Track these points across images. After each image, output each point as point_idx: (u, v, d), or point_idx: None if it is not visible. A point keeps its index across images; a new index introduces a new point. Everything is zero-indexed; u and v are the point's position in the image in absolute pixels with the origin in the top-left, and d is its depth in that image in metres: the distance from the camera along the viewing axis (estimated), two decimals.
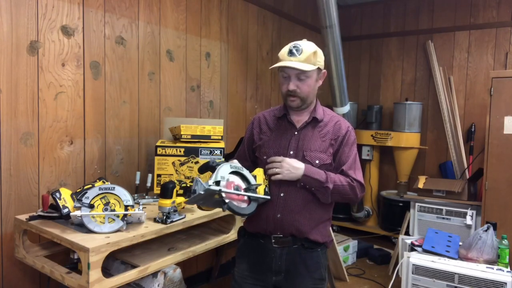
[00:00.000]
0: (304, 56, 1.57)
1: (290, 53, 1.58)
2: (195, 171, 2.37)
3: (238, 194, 1.48)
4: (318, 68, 1.63)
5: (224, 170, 1.48)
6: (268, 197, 1.57)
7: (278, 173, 1.55)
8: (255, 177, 1.58)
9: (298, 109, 1.67)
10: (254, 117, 1.83)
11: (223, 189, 1.42)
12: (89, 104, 2.38)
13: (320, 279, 1.68)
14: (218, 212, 2.24)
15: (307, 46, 1.60)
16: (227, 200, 1.43)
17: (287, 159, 1.57)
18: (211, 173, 1.50)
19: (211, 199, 1.47)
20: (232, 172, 1.52)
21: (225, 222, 2.37)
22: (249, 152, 1.80)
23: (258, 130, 1.76)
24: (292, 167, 1.55)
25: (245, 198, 1.53)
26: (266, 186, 1.59)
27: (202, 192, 1.39)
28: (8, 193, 2.05)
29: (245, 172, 1.55)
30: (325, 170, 1.62)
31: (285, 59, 1.59)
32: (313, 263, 1.66)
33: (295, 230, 1.61)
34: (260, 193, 1.55)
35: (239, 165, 1.57)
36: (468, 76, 4.25)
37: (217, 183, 1.42)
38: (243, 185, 1.53)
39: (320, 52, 1.64)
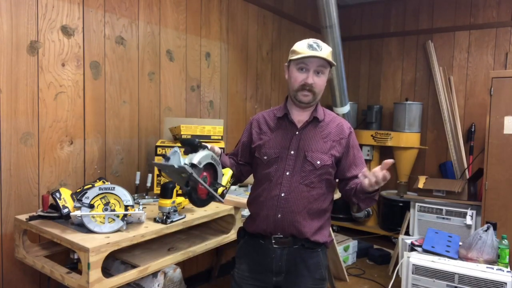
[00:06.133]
0: (325, 52, 1.58)
1: (311, 47, 1.56)
2: None
3: (202, 186, 1.45)
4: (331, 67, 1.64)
5: (204, 158, 1.45)
6: (223, 200, 1.54)
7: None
8: (222, 175, 1.56)
9: (307, 105, 1.63)
10: (252, 118, 1.80)
11: (194, 175, 1.39)
12: (89, 104, 2.38)
13: (320, 279, 1.68)
14: (218, 212, 2.25)
15: (325, 44, 1.62)
16: (188, 186, 1.41)
17: (384, 176, 1.53)
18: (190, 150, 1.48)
19: (178, 175, 1.43)
20: (209, 163, 1.49)
21: (225, 222, 2.37)
22: (243, 153, 1.77)
23: (257, 130, 1.73)
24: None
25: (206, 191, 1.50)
26: (226, 189, 1.57)
27: (176, 167, 1.37)
28: (8, 193, 2.05)
29: (219, 169, 1.53)
30: (325, 171, 1.62)
31: (306, 53, 1.56)
32: (314, 263, 1.65)
33: (296, 230, 1.60)
34: (219, 193, 1.53)
35: (218, 159, 1.54)
36: (468, 76, 4.25)
37: (193, 165, 1.39)
38: (211, 178, 1.51)
39: None
